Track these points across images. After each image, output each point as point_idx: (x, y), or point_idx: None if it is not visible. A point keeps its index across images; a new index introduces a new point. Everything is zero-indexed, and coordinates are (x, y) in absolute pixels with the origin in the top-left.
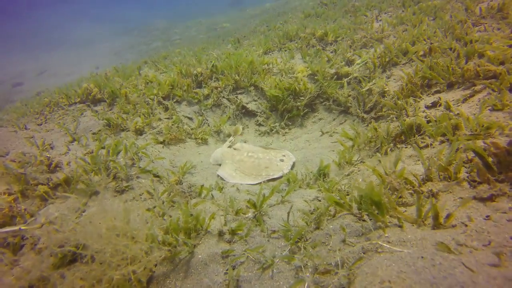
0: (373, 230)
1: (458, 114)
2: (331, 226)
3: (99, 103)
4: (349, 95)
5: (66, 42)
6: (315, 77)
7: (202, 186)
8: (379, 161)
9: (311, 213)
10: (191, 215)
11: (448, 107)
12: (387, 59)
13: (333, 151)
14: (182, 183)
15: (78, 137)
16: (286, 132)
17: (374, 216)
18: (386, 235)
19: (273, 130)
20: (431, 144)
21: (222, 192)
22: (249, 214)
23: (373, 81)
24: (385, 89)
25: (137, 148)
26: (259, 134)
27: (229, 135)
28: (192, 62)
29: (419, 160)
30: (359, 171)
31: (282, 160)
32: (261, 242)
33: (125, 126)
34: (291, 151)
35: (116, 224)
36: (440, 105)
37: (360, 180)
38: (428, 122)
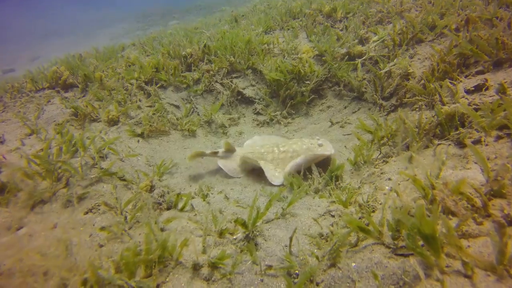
0: (424, 278)
1: None
2: (354, 265)
3: (71, 88)
4: (364, 79)
5: (61, 28)
6: (323, 58)
7: (178, 194)
8: (409, 162)
9: (323, 238)
10: (155, 240)
11: (503, 91)
12: (409, 36)
13: (346, 147)
14: (154, 189)
15: (36, 130)
16: (288, 122)
17: (423, 256)
18: None
19: (273, 119)
20: (484, 140)
21: (206, 201)
22: (238, 235)
23: (394, 61)
24: (409, 71)
25: (103, 143)
26: (257, 125)
27: (222, 126)
28: (183, 42)
29: (468, 163)
30: (381, 173)
31: (321, 145)
32: (252, 282)
33: (96, 116)
34: None
35: (48, 254)
36: (486, 89)
37: (391, 191)
38: (476, 110)
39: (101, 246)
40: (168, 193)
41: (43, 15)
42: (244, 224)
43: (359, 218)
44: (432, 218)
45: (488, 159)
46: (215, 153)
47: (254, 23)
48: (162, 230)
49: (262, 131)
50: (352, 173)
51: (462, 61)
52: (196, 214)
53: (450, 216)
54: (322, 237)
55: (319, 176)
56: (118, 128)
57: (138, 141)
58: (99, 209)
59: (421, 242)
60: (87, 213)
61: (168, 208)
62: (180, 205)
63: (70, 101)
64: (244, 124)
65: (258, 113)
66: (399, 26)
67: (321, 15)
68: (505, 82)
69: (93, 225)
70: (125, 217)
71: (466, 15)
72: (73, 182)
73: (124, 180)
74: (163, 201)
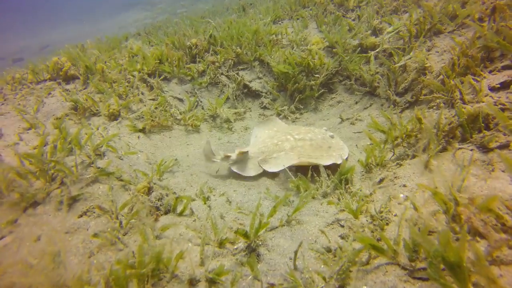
0: None
1: None
2: None
3: (73, 80)
4: (377, 72)
5: (70, 17)
6: (334, 50)
7: (177, 198)
8: (426, 167)
9: (331, 253)
10: (150, 250)
11: None
12: (427, 26)
13: (357, 146)
14: (152, 191)
15: (35, 124)
16: (296, 118)
17: (446, 287)
18: None
19: (280, 114)
20: None
21: (207, 204)
22: (239, 244)
23: (410, 54)
24: (426, 65)
25: (101, 140)
26: (263, 120)
27: (227, 121)
28: (188, 32)
29: (494, 171)
30: (395, 178)
31: (332, 137)
32: None
33: (96, 110)
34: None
35: (34, 266)
36: None
37: (406, 200)
38: (503, 110)
39: (93, 254)
40: (167, 195)
41: (49, 4)
42: (245, 235)
43: (371, 232)
44: (460, 244)
45: None
46: (228, 157)
47: (262, 12)
48: (158, 238)
49: None
50: (363, 175)
51: (486, 55)
52: (195, 220)
53: (478, 238)
54: (330, 252)
55: (327, 178)
56: (118, 123)
57: (139, 137)
58: (94, 212)
59: (442, 266)
60: (81, 216)
61: (166, 212)
62: (179, 209)
63: (71, 93)
64: (250, 119)
65: (265, 108)
66: (416, 16)
67: (332, 3)
68: None
69: (87, 229)
70: (120, 222)
71: (492, 3)
72: (68, 182)
73: (122, 180)
74: (160, 205)
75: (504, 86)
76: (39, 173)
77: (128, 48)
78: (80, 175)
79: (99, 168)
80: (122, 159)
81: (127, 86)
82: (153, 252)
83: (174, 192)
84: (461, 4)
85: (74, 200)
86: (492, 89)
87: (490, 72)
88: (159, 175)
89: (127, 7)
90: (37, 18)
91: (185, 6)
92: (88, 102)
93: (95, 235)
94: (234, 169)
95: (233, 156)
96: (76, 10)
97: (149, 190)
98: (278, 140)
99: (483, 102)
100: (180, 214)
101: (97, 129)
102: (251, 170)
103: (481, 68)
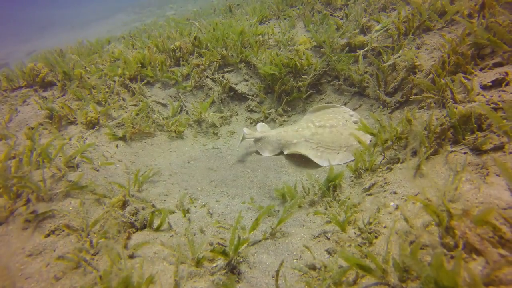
0: None
1: None
2: None
3: (51, 87)
4: (366, 72)
5: (59, 20)
6: (321, 50)
7: (152, 212)
8: (417, 172)
9: (315, 271)
10: (116, 275)
11: None
12: (416, 23)
13: None
14: (127, 205)
15: (6, 135)
16: (284, 120)
17: None
18: None
19: (268, 117)
20: (508, 147)
21: (187, 217)
22: (219, 262)
23: (399, 52)
24: (415, 63)
25: (75, 151)
26: (250, 123)
27: (212, 125)
28: (173, 35)
29: (488, 175)
30: (385, 184)
31: (356, 122)
32: None
33: (74, 118)
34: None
35: None
36: (507, 84)
37: (397, 209)
38: (496, 110)
39: (58, 279)
40: (143, 209)
41: (43, 6)
42: (224, 253)
43: (359, 246)
44: (455, 268)
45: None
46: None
47: (248, 12)
48: (131, 257)
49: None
50: (352, 181)
51: (477, 52)
52: (173, 235)
53: (474, 256)
54: (315, 270)
55: (315, 186)
56: (96, 131)
57: (117, 145)
58: (63, 231)
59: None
60: (48, 235)
61: (142, 228)
62: (156, 224)
63: (48, 101)
64: (236, 122)
65: (251, 111)
66: (405, 13)
67: (320, 2)
68: None
69: (54, 250)
70: (91, 241)
71: None
72: (34, 198)
73: (96, 194)
74: (135, 220)
75: (495, 84)
76: (1, 189)
77: (110, 52)
78: (49, 190)
79: (70, 181)
80: (97, 171)
81: (107, 92)
82: (121, 277)
83: (153, 205)
84: (449, 0)
85: (41, 218)
86: (484, 87)
87: (481, 69)
88: (138, 186)
89: (116, 10)
90: (23, 23)
91: (174, 8)
92: (64, 110)
93: (60, 257)
94: (257, 147)
95: (256, 135)
96: (66, 15)
97: (124, 204)
98: (299, 126)
99: (475, 101)
100: (157, 229)
101: (70, 139)
102: (266, 151)
103: (472, 65)
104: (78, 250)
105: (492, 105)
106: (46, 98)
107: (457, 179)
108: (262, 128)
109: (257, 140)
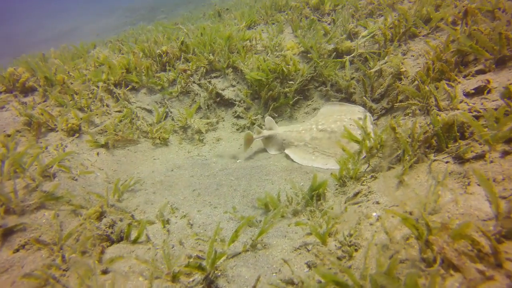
0: None
1: None
2: None
3: (32, 92)
4: (352, 78)
5: (47, 23)
6: (309, 55)
7: (129, 224)
8: (400, 182)
9: (293, 286)
10: None
11: (508, 95)
12: (402, 30)
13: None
14: (104, 217)
15: None
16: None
17: None
18: None
19: (254, 123)
20: (488, 157)
21: (166, 228)
22: (196, 277)
23: (385, 59)
24: (401, 69)
25: (52, 159)
26: (236, 129)
27: (198, 132)
28: (160, 39)
29: (470, 185)
30: (369, 193)
31: (360, 119)
32: None
33: (54, 125)
34: (274, 155)
35: None
36: (488, 91)
37: (378, 221)
38: (478, 118)
39: None
40: (121, 220)
41: (29, 10)
42: (200, 267)
43: (339, 258)
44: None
45: (494, 181)
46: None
47: (237, 17)
48: (104, 272)
49: (242, 136)
50: (337, 189)
51: (461, 59)
52: (150, 248)
53: (452, 272)
54: (293, 286)
55: (298, 194)
56: (77, 138)
57: (98, 153)
58: (33, 245)
59: None
60: (17, 250)
61: (119, 240)
62: (133, 236)
63: (27, 107)
64: (223, 129)
65: (238, 117)
66: (391, 19)
67: (308, 7)
68: (510, 85)
69: (22, 267)
70: (63, 256)
71: (464, 6)
72: (3, 210)
73: (72, 205)
74: (111, 233)
75: (478, 91)
76: None
77: (95, 57)
78: (21, 202)
79: (45, 192)
80: (76, 180)
81: (90, 97)
82: None
83: (132, 216)
84: (435, 7)
85: (10, 232)
86: (467, 94)
87: (464, 76)
88: (118, 195)
89: (108, 14)
90: (17, 26)
91: (165, 12)
92: (44, 116)
93: (26, 275)
94: (264, 145)
95: (265, 133)
96: (54, 16)
97: (101, 215)
98: (303, 128)
99: (458, 109)
100: (134, 241)
101: (46, 147)
102: (272, 149)
103: (456, 72)
104: (47, 266)
105: (475, 113)
106: (26, 104)
107: (438, 190)
108: (270, 124)
109: (265, 138)
